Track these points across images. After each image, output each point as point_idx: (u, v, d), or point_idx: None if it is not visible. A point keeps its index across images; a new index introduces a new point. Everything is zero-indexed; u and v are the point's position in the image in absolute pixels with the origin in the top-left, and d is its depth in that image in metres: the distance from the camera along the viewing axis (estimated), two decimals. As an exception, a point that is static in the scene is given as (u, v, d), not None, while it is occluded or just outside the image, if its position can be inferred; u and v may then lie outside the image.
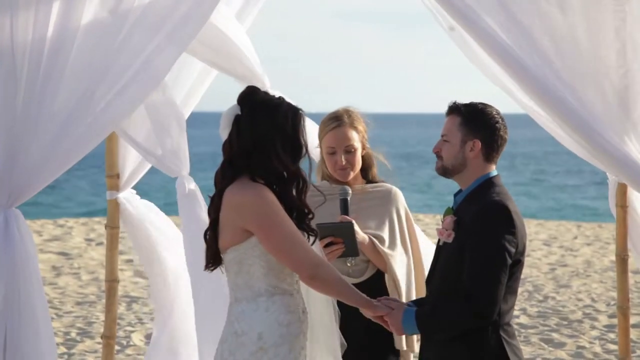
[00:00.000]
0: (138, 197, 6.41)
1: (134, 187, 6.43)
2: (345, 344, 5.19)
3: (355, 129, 5.63)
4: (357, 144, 5.62)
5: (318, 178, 5.78)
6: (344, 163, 5.59)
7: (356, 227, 5.49)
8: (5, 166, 4.94)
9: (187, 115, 6.37)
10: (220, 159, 4.75)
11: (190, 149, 6.15)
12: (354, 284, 5.49)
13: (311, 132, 5.96)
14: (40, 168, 4.98)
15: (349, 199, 5.54)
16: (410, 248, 5.70)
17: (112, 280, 6.36)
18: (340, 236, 5.40)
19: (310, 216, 4.75)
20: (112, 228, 6.34)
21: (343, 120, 5.62)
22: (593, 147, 5.32)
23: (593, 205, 38.74)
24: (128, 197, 6.34)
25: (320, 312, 5.08)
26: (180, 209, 6.09)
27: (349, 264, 5.55)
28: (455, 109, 4.87)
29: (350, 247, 5.42)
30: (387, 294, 5.53)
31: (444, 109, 4.94)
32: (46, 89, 4.96)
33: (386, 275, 5.60)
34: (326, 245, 5.39)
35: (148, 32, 5.07)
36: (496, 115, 4.84)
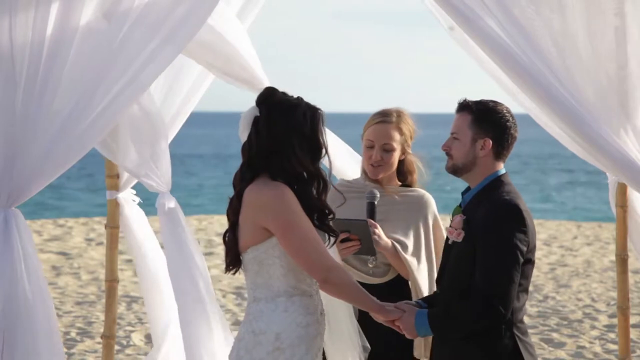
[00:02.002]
0: (137, 199, 6.40)
1: (134, 187, 6.42)
2: (369, 347, 5.17)
3: (399, 130, 5.58)
4: (397, 145, 5.58)
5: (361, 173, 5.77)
6: (378, 159, 5.55)
7: (380, 232, 5.45)
8: (4, 166, 4.94)
9: (186, 115, 6.37)
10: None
11: (190, 148, 6.15)
12: (375, 285, 5.49)
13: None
14: (39, 168, 4.98)
15: (376, 202, 5.50)
16: (435, 256, 5.65)
17: (112, 280, 6.35)
18: (355, 233, 5.38)
19: (330, 216, 4.74)
20: (112, 228, 6.34)
21: (390, 118, 5.58)
22: (593, 147, 5.32)
23: (593, 205, 38.74)
24: (126, 198, 6.34)
25: (342, 311, 5.06)
26: (162, 227, 6.09)
27: (370, 265, 5.53)
28: (465, 107, 4.85)
29: (367, 246, 5.40)
30: (408, 297, 5.51)
31: (444, 109, 4.94)
32: (45, 90, 4.96)
33: (410, 282, 5.58)
34: (343, 241, 5.38)
35: (147, 33, 5.07)
36: (507, 114, 4.83)
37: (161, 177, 6.00)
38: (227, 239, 4.75)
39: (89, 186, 42.93)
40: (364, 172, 5.68)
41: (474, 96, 4.92)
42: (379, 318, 4.82)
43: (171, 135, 6.33)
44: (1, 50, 4.91)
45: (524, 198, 4.86)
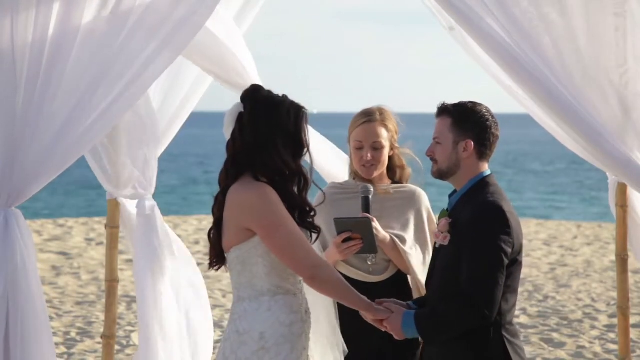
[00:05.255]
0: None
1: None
2: (347, 350, 5.16)
3: (386, 127, 5.60)
4: (385, 142, 5.59)
5: (349, 174, 5.78)
6: (369, 159, 5.57)
7: (377, 225, 5.47)
8: (5, 166, 4.95)
9: (186, 116, 6.37)
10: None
11: (190, 148, 6.13)
12: (375, 283, 5.49)
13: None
14: (39, 168, 4.98)
15: (370, 197, 5.52)
16: (431, 250, 5.67)
17: (112, 280, 6.35)
18: (358, 232, 5.38)
19: (312, 214, 4.75)
20: (112, 228, 6.33)
21: (374, 117, 5.60)
22: (593, 146, 5.32)
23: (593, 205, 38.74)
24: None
25: (326, 309, 5.06)
26: (138, 230, 6.06)
27: (369, 262, 5.53)
28: (445, 110, 4.86)
29: (369, 244, 5.40)
30: (409, 294, 5.53)
31: (444, 108, 4.90)
32: (46, 90, 4.96)
33: (409, 277, 5.59)
34: (344, 241, 5.38)
35: (147, 35, 5.08)
36: (486, 113, 4.84)
37: (151, 181, 6.02)
38: (211, 236, 4.77)
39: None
40: (354, 173, 5.69)
41: (475, 96, 4.92)
42: (367, 317, 4.81)
43: (170, 136, 6.34)
44: (2, 51, 4.92)
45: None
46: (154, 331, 5.98)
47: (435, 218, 5.71)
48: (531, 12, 5.28)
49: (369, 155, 5.57)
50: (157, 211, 6.09)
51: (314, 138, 6.21)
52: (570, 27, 5.33)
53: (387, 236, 5.50)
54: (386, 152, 5.61)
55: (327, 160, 6.41)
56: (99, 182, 6.10)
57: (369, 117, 5.60)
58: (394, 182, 5.71)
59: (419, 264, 5.55)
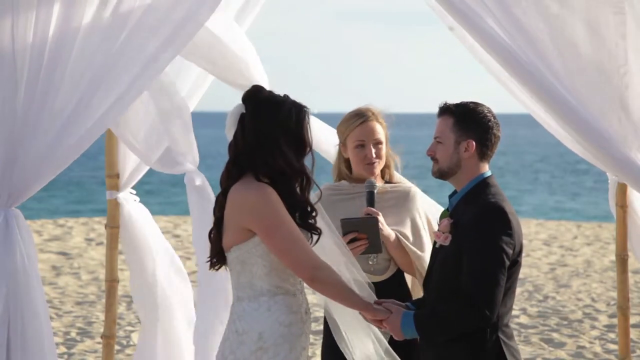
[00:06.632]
0: (137, 198, 6.41)
1: (134, 187, 6.42)
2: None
3: (381, 123, 5.63)
4: (383, 138, 5.62)
5: (334, 178, 5.76)
6: (373, 155, 5.58)
7: (382, 220, 5.47)
8: (5, 166, 4.95)
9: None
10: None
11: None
12: (376, 283, 5.49)
13: (316, 131, 5.97)
14: (39, 168, 4.98)
15: (375, 191, 5.53)
16: (427, 248, 5.66)
17: (112, 280, 6.36)
18: (364, 232, 5.37)
19: (313, 214, 4.74)
20: (112, 228, 6.34)
21: (368, 115, 5.62)
22: (593, 146, 5.32)
23: (593, 205, 38.74)
24: (127, 198, 6.34)
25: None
26: (190, 204, 6.08)
27: (371, 262, 5.52)
28: (447, 110, 4.86)
29: (374, 243, 5.39)
30: (408, 293, 5.53)
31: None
32: (46, 90, 4.97)
33: (416, 271, 5.56)
34: (350, 241, 5.37)
35: (147, 35, 5.08)
36: (488, 114, 4.84)
37: (190, 155, 6.02)
38: (211, 235, 4.77)
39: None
40: (346, 176, 5.67)
41: (475, 97, 4.92)
42: (367, 317, 4.81)
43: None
44: (3, 51, 4.92)
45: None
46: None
47: (431, 217, 5.71)
48: (531, 11, 5.27)
49: (373, 152, 5.58)
50: (207, 183, 6.12)
51: (315, 124, 6.19)
52: (570, 27, 5.33)
53: (393, 233, 5.50)
54: (385, 148, 5.63)
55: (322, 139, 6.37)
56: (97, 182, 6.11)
57: (365, 117, 5.62)
58: (385, 181, 5.72)
59: (423, 260, 5.54)
